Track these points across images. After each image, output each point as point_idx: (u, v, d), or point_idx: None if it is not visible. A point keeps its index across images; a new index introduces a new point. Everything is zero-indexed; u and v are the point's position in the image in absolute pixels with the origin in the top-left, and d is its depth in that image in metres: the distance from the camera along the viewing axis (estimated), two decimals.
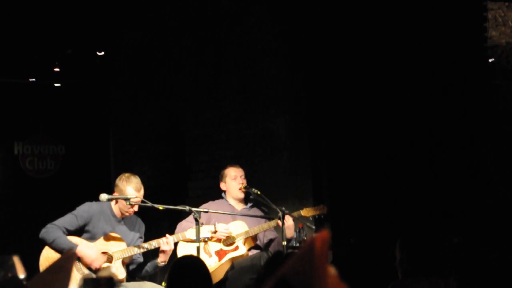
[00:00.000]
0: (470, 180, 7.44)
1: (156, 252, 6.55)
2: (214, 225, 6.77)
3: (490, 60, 7.79)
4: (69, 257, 2.84)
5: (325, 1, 7.82)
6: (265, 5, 8.33)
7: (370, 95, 7.66)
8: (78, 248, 6.28)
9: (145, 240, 6.60)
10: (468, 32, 7.54)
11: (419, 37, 7.55)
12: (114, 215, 6.54)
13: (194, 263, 4.59)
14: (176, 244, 6.77)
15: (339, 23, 7.75)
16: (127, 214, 6.52)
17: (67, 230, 6.35)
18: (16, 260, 3.31)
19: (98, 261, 6.31)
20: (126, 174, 6.60)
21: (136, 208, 6.48)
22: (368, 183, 7.58)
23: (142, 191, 6.51)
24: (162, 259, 6.48)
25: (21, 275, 2.91)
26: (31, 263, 5.87)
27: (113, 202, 6.52)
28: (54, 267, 2.65)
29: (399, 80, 7.58)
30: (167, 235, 6.53)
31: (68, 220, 6.40)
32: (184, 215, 7.00)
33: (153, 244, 6.46)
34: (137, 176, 6.59)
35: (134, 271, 6.62)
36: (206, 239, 6.71)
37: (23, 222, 8.83)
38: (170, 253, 6.49)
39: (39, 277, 2.68)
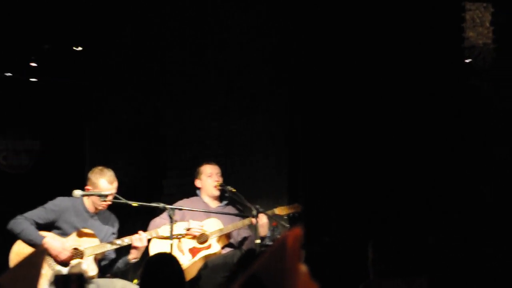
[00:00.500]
0: (446, 180, 7.47)
1: (128, 248, 6.52)
2: (188, 222, 6.75)
3: (467, 61, 7.82)
4: (39, 252, 2.81)
5: (307, 5, 7.82)
6: (249, 6, 8.32)
7: (348, 95, 7.67)
8: (44, 240, 6.23)
9: (119, 237, 6.57)
10: (446, 32, 7.57)
11: (397, 37, 7.57)
12: (86, 210, 6.49)
13: (167, 260, 4.58)
14: (149, 241, 6.74)
15: (320, 24, 7.76)
16: (100, 208, 6.48)
17: (36, 223, 6.30)
18: None
19: (64, 253, 6.25)
20: (99, 167, 6.57)
21: (109, 202, 6.44)
22: (343, 182, 7.60)
23: (115, 184, 6.48)
24: (134, 256, 6.45)
25: None
26: (2, 258, 5.84)
27: (86, 197, 6.48)
28: (24, 263, 2.63)
29: (376, 81, 7.60)
30: (139, 231, 6.50)
31: (37, 212, 6.36)
32: (158, 212, 6.97)
33: (125, 240, 6.43)
34: (110, 169, 6.56)
35: (106, 267, 6.58)
36: (179, 236, 6.69)
37: None
38: (142, 250, 6.46)
39: (9, 272, 2.65)
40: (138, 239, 6.39)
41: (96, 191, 6.39)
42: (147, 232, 6.56)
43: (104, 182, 6.42)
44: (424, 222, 7.12)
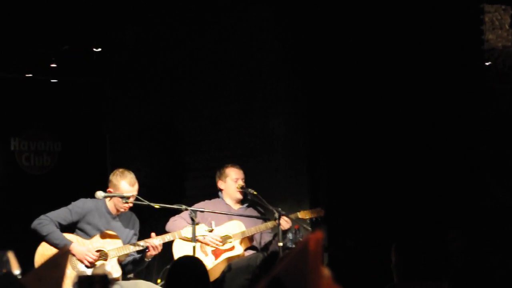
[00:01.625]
0: (467, 183, 7.44)
1: None
2: (211, 223, 6.76)
3: (486, 63, 7.79)
4: (64, 254, 2.84)
5: (325, 2, 7.82)
6: (265, 5, 8.32)
7: (368, 97, 7.66)
8: (71, 245, 6.27)
9: (140, 238, 6.58)
10: (465, 34, 7.54)
11: (416, 39, 7.55)
12: (109, 212, 6.52)
13: (193, 263, 4.59)
14: (172, 241, 6.77)
15: (338, 23, 7.75)
16: (122, 210, 6.51)
17: (59, 224, 6.34)
18: (11, 255, 3.30)
19: (90, 256, 6.28)
20: (120, 170, 6.59)
21: (131, 204, 6.46)
22: (365, 185, 7.58)
23: (136, 186, 6.51)
24: (147, 258, 6.48)
25: (16, 270, 2.90)
26: (26, 259, 5.87)
27: (107, 199, 6.50)
28: (49, 264, 2.66)
29: (396, 82, 7.58)
30: (153, 235, 6.45)
31: (62, 214, 6.38)
32: (179, 213, 6.99)
33: (148, 242, 6.44)
34: (131, 172, 6.59)
35: (127, 267, 6.61)
36: (201, 237, 6.68)
37: (19, 218, 8.81)
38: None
39: (33, 273, 2.68)
40: (155, 248, 6.40)
41: (118, 193, 6.42)
42: (170, 234, 6.59)
43: (125, 184, 6.46)
44: (447, 224, 7.10)
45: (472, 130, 7.49)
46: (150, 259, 6.53)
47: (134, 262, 6.57)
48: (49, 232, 6.26)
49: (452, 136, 7.45)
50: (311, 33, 7.91)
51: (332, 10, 7.77)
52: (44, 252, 6.27)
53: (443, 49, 7.50)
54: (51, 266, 2.62)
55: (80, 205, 6.47)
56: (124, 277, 6.52)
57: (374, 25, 7.63)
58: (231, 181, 7.21)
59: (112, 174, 6.59)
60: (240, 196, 7.22)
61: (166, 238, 6.54)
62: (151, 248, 6.39)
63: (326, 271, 1.80)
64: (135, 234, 6.65)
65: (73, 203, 6.51)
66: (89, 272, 6.16)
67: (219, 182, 7.30)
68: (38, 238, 6.33)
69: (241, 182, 7.20)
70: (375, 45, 7.63)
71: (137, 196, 6.47)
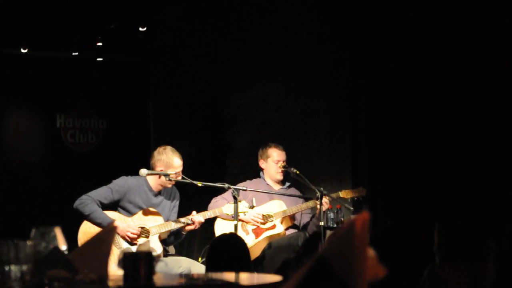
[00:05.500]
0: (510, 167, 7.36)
1: None
2: (252, 200, 6.77)
3: None
4: (110, 230, 2.88)
5: None
6: None
7: (412, 79, 7.59)
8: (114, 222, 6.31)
9: (182, 215, 6.59)
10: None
11: (462, 32, 7.45)
12: (150, 189, 6.55)
13: (233, 241, 4.61)
14: (214, 220, 6.80)
15: (385, 5, 7.69)
16: (168, 186, 6.53)
17: (101, 203, 6.38)
18: (58, 231, 3.32)
19: (131, 232, 6.32)
20: (163, 146, 6.60)
21: (179, 177, 6.48)
22: (407, 165, 7.53)
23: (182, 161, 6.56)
24: (184, 231, 6.54)
25: (63, 246, 2.91)
26: (71, 235, 5.94)
27: (150, 176, 6.52)
28: (95, 240, 2.70)
29: (440, 68, 7.49)
30: (197, 215, 6.49)
31: (104, 193, 6.41)
32: (222, 192, 7.02)
33: (190, 219, 6.47)
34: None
35: (167, 237, 6.66)
36: (243, 213, 6.65)
37: (64, 194, 8.92)
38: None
39: (80, 249, 2.72)
40: (192, 224, 6.45)
41: (163, 171, 6.44)
42: (210, 211, 6.61)
43: (177, 159, 6.49)
44: (493, 206, 7.03)
45: None
46: (186, 233, 6.56)
47: (174, 234, 6.61)
48: (91, 212, 6.30)
49: (497, 121, 7.35)
50: (354, 13, 7.86)
51: None
52: (87, 230, 6.32)
53: (491, 49, 7.38)
54: (97, 243, 2.66)
55: (121, 184, 6.50)
56: (165, 251, 6.56)
57: (420, 11, 7.55)
58: (273, 162, 7.19)
59: (157, 152, 6.57)
60: (280, 177, 7.21)
61: (207, 214, 6.56)
62: (192, 225, 6.43)
63: (371, 252, 1.80)
64: (174, 206, 6.68)
65: (114, 181, 6.53)
66: (132, 249, 6.21)
67: (260, 161, 7.29)
68: (81, 217, 6.38)
69: (282, 164, 7.16)
70: (419, 30, 7.55)
71: (181, 174, 6.50)
